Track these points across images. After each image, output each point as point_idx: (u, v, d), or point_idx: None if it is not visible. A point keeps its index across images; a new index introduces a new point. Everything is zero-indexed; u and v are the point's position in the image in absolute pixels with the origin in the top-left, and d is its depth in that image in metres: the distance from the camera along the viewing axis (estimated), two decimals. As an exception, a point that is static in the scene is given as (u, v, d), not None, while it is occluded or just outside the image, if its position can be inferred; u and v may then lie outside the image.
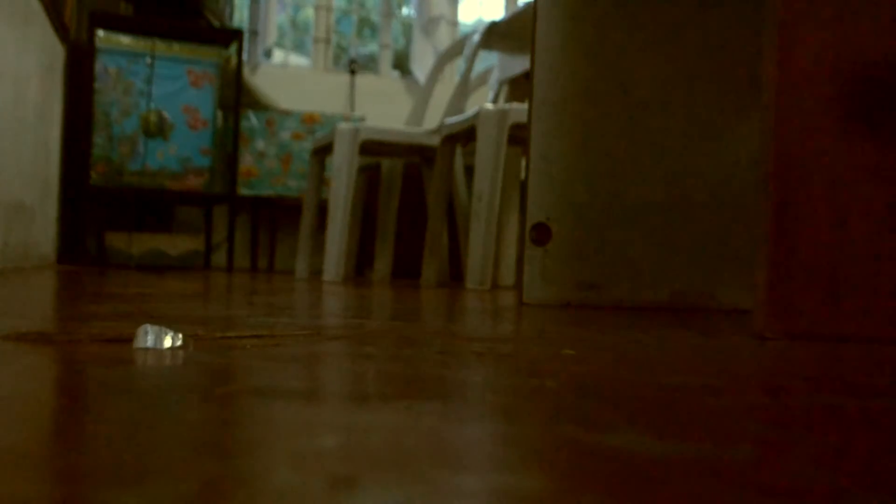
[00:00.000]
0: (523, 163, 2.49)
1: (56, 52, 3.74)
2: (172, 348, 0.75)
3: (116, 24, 4.12)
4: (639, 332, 1.18)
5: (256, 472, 0.35)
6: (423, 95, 3.91)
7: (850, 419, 0.54)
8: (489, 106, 2.64)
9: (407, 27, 5.89)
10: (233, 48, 4.31)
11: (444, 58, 3.97)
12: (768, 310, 1.11)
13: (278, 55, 5.62)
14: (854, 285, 1.12)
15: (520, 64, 3.24)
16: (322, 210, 3.45)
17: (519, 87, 3.27)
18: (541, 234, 1.84)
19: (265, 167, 4.52)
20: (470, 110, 2.78)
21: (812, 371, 0.80)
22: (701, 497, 0.33)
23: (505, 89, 3.40)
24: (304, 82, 5.27)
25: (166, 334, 0.75)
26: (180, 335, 0.78)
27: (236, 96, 4.27)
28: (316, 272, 3.58)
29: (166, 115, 4.13)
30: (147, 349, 0.73)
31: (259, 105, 4.61)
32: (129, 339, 0.76)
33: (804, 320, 1.11)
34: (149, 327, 0.75)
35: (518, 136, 2.59)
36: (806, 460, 0.40)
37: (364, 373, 0.67)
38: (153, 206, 4.50)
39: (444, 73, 4.90)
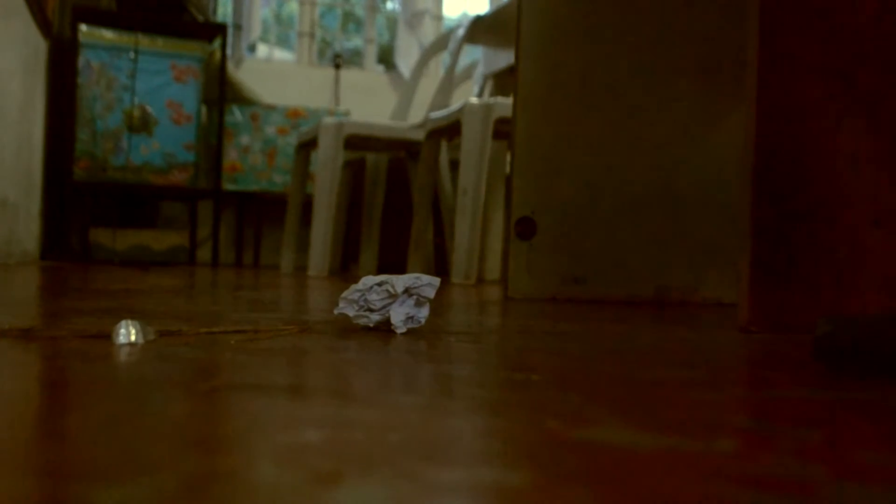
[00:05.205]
0: (508, 157, 2.49)
1: (39, 46, 3.71)
2: (149, 342, 0.74)
3: (99, 19, 4.10)
4: (623, 326, 1.18)
5: (240, 468, 0.35)
6: (407, 90, 3.90)
7: (835, 412, 0.54)
8: (474, 100, 2.64)
9: (391, 21, 5.88)
10: (217, 43, 4.30)
11: (429, 52, 3.96)
12: (752, 303, 1.12)
13: (262, 50, 5.60)
14: (837, 279, 1.13)
15: (504, 58, 3.24)
16: (307, 205, 3.44)
17: (504, 81, 3.27)
18: (526, 228, 1.84)
19: (250, 162, 4.50)
20: (455, 105, 2.77)
21: (796, 364, 0.80)
22: (685, 490, 0.33)
23: (490, 83, 3.40)
24: (289, 77, 5.25)
25: (137, 328, 0.75)
26: (152, 329, 0.78)
27: (220, 91, 4.25)
28: (301, 267, 3.57)
29: (150, 110, 4.11)
30: (129, 344, 0.73)
31: (243, 100, 4.60)
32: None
33: (788, 314, 1.12)
34: (124, 322, 0.75)
35: (503, 131, 2.59)
36: (789, 453, 0.41)
37: (348, 367, 0.67)
38: (137, 201, 4.48)
39: (429, 68, 4.89)
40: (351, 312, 0.92)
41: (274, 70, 5.33)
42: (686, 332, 1.13)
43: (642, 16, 1.90)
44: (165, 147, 4.13)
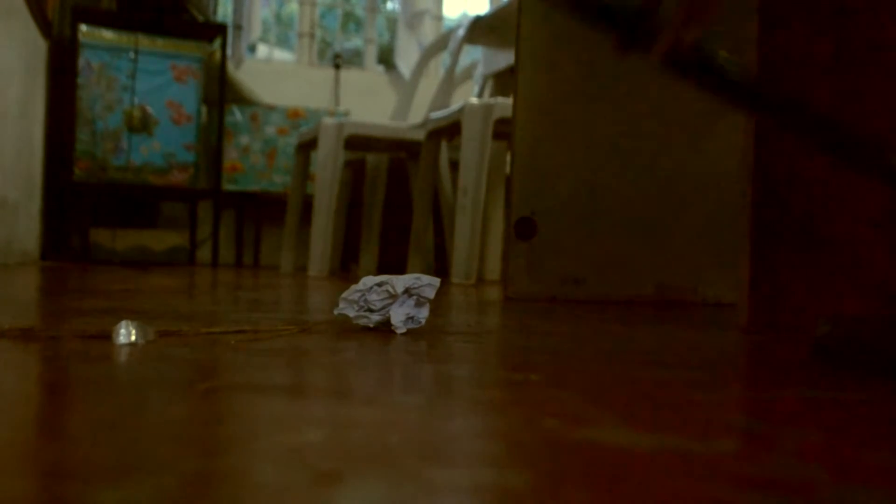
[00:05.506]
0: (508, 157, 2.49)
1: (39, 47, 3.71)
2: (149, 342, 0.74)
3: (99, 19, 4.10)
4: (623, 326, 1.18)
5: (240, 468, 0.35)
6: (407, 90, 3.90)
7: (835, 412, 0.54)
8: (474, 100, 2.64)
9: (391, 21, 5.88)
10: (217, 43, 4.30)
11: (429, 52, 3.96)
12: (752, 303, 1.12)
13: (262, 50, 5.60)
14: (837, 279, 1.13)
15: (504, 58, 3.24)
16: (307, 205, 3.44)
17: (504, 81, 3.27)
18: (526, 228, 1.84)
19: (250, 162, 4.50)
20: (455, 105, 2.77)
21: (796, 364, 0.80)
22: (683, 490, 0.33)
23: (490, 84, 3.40)
24: (289, 77, 5.25)
25: (137, 329, 0.75)
26: (152, 329, 0.78)
27: (220, 91, 4.25)
28: (301, 267, 3.57)
29: (150, 110, 4.10)
30: (129, 344, 0.73)
31: (243, 100, 4.59)
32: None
33: (788, 314, 1.12)
34: (124, 322, 0.75)
35: (503, 131, 2.59)
36: (788, 454, 0.41)
37: (348, 368, 0.67)
38: (137, 201, 4.48)
39: (429, 68, 4.89)
40: (351, 313, 0.92)
41: (274, 70, 5.33)
42: (686, 332, 1.13)
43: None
44: (165, 147, 4.13)
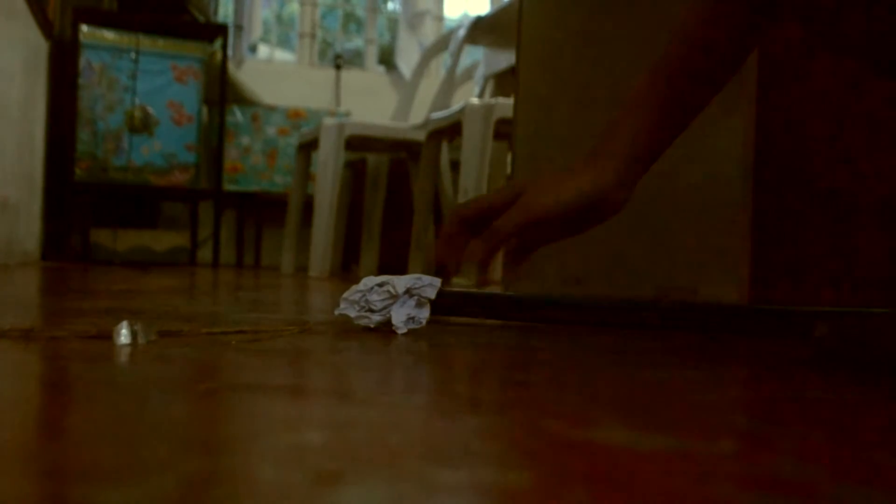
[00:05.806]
0: (509, 157, 2.49)
1: (40, 47, 3.71)
2: (150, 342, 0.74)
3: (101, 20, 4.10)
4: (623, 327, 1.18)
5: (241, 469, 0.35)
6: (408, 90, 3.90)
7: (835, 412, 0.54)
8: (475, 101, 2.64)
9: (392, 22, 5.88)
10: (217, 43, 4.30)
11: (430, 53, 3.96)
12: (752, 303, 1.11)
13: (263, 50, 5.60)
14: (837, 278, 1.13)
15: (505, 59, 3.24)
16: (308, 205, 3.44)
17: (505, 81, 3.27)
18: (526, 228, 1.84)
19: (251, 163, 4.50)
20: (455, 105, 2.77)
21: (796, 364, 0.80)
22: (683, 491, 0.33)
23: (490, 84, 3.40)
24: (290, 77, 5.25)
25: (138, 329, 0.75)
26: (153, 330, 0.78)
27: (221, 92, 4.25)
28: (302, 268, 3.57)
29: (151, 110, 4.11)
30: (130, 345, 0.73)
31: (244, 100, 4.60)
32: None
33: (788, 314, 1.12)
34: (125, 323, 0.75)
35: (504, 131, 2.59)
36: (789, 454, 0.41)
37: (349, 368, 0.67)
38: (138, 202, 4.48)
39: (430, 68, 4.89)
40: (352, 313, 0.92)
41: (275, 71, 5.33)
42: (686, 332, 1.13)
43: (643, 17, 1.90)
44: (166, 148, 4.13)
